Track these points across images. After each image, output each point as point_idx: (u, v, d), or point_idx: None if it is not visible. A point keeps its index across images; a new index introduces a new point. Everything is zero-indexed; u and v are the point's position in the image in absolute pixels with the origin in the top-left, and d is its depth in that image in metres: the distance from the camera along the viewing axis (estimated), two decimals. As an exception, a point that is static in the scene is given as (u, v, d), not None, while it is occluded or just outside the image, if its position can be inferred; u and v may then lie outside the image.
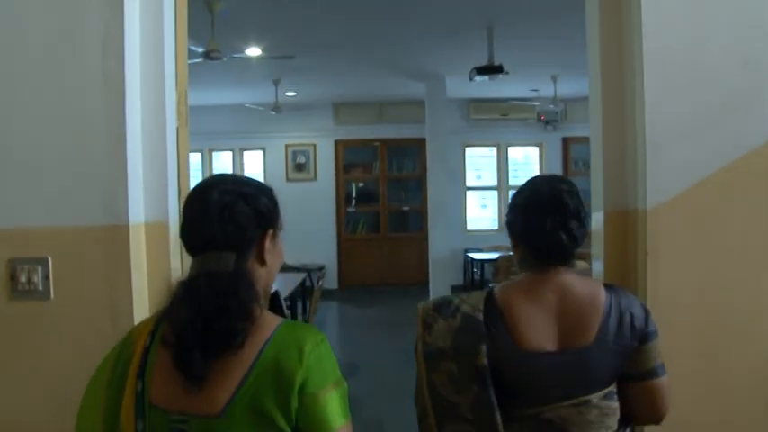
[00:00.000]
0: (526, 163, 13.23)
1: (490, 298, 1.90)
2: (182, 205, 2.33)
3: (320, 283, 7.21)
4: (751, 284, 2.25)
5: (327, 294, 10.95)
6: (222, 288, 1.45)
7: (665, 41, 2.22)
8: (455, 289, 10.62)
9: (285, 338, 1.47)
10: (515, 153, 13.21)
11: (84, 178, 2.14)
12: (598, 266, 2.44)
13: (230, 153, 12.83)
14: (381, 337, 8.86)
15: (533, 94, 11.47)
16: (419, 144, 11.88)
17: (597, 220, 2.42)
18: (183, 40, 2.44)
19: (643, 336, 1.85)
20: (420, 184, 12.66)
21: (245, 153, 12.89)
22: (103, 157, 2.14)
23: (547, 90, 10.71)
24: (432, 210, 10.80)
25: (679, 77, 2.22)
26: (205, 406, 1.43)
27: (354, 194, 13.18)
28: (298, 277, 7.73)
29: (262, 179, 1.70)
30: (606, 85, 2.39)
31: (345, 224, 13.03)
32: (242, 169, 12.62)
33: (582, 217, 1.89)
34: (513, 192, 2.04)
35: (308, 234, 11.57)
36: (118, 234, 2.14)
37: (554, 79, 10.13)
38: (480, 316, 1.86)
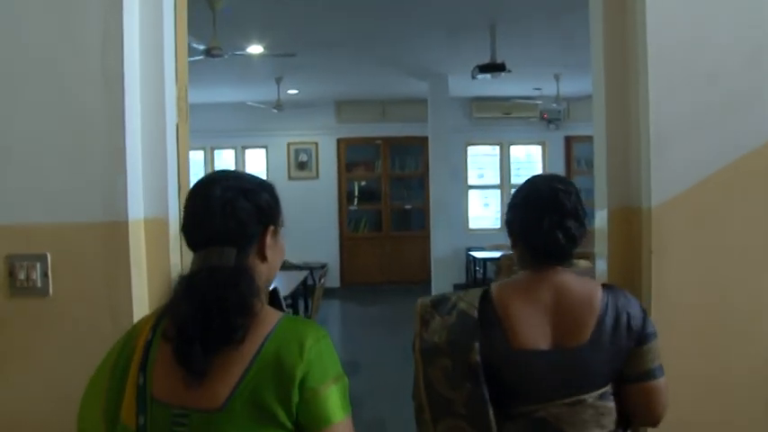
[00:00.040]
0: (528, 161, 13.22)
1: (486, 296, 1.92)
2: (182, 202, 2.32)
3: (322, 281, 7.20)
4: (754, 283, 2.23)
5: (329, 293, 10.94)
6: (223, 283, 1.46)
7: (668, 40, 2.20)
8: (457, 288, 10.60)
9: (286, 333, 1.48)
10: (518, 152, 13.19)
11: (83, 174, 2.13)
12: (602, 265, 2.42)
13: (232, 151, 12.83)
14: (383, 335, 8.85)
15: (536, 93, 11.46)
16: (421, 142, 11.85)
17: (601, 218, 2.40)
18: (182, 36, 2.42)
19: (640, 337, 1.85)
20: (422, 182, 12.66)
21: (247, 151, 12.89)
22: (103, 153, 2.12)
23: (549, 89, 10.69)
24: (434, 208, 10.79)
25: (682, 76, 2.20)
26: (206, 400, 1.43)
27: (356, 193, 13.16)
28: (300, 275, 7.72)
29: (264, 177, 1.69)
30: (610, 82, 2.37)
31: (347, 222, 13.03)
32: (244, 167, 12.60)
33: (580, 216, 1.90)
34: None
35: (310, 232, 11.56)
36: (117, 230, 2.12)
37: (557, 78, 10.11)
38: (475, 313, 1.88)
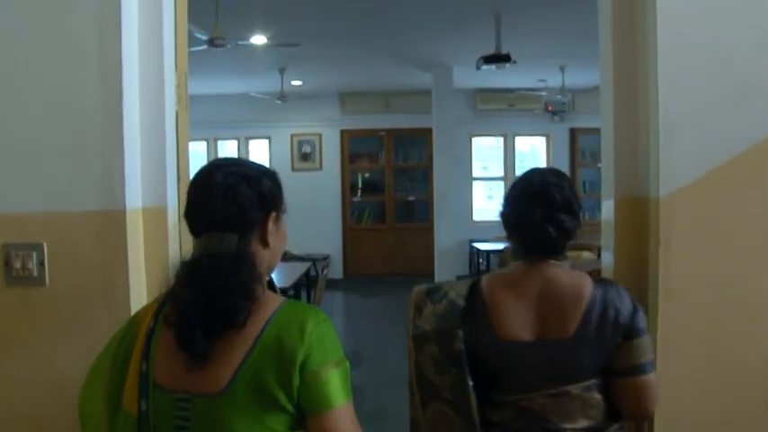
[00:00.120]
0: (533, 153, 13.16)
1: (475, 286, 1.98)
2: (181, 191, 2.31)
3: (325, 272, 7.17)
4: (762, 274, 2.19)
5: (332, 284, 10.91)
6: (224, 269, 1.47)
7: (680, 25, 2.15)
8: (460, 279, 10.56)
9: (287, 317, 1.49)
10: (522, 144, 13.13)
11: (79, 162, 2.10)
12: (608, 257, 2.38)
13: (235, 142, 12.79)
14: (386, 326, 8.81)
15: (541, 85, 11.39)
16: (425, 134, 11.83)
17: (608, 207, 2.36)
18: (182, 22, 2.38)
19: (628, 332, 1.86)
20: (426, 174, 12.60)
21: (250, 142, 12.85)
22: (100, 141, 2.09)
23: (554, 80, 10.62)
24: (438, 200, 10.76)
25: (694, 62, 2.15)
26: (208, 384, 1.44)
27: (360, 184, 13.11)
28: (302, 267, 7.70)
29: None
30: (618, 71, 2.32)
31: (351, 214, 12.99)
32: (247, 158, 12.54)
33: (573, 210, 1.93)
34: (517, 183, 2.07)
35: (313, 224, 11.55)
36: (114, 219, 2.10)
37: (562, 69, 10.05)
38: (462, 302, 1.94)
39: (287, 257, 8.40)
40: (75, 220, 2.09)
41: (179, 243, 2.28)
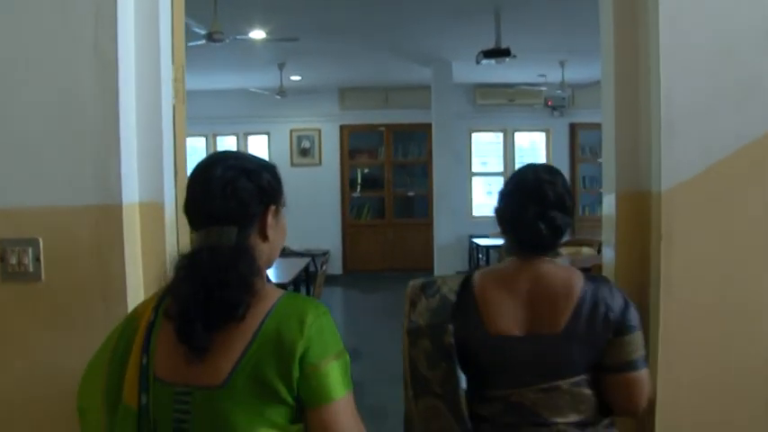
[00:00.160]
0: (532, 149, 13.14)
1: (467, 282, 2.00)
2: (179, 185, 2.29)
3: (324, 268, 7.15)
4: (766, 269, 2.16)
5: (331, 280, 10.90)
6: (223, 262, 1.47)
7: (681, 21, 2.13)
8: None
9: (286, 310, 1.49)
10: (521, 140, 13.10)
11: (75, 156, 2.07)
12: (609, 252, 2.36)
13: (235, 138, 12.76)
14: (385, 322, 8.79)
15: (540, 80, 11.34)
16: (425, 129, 11.80)
17: (609, 202, 2.34)
18: (179, 14, 2.36)
19: (618, 328, 1.87)
20: (425, 169, 12.58)
21: (249, 137, 12.81)
22: (95, 134, 2.07)
23: (554, 75, 10.60)
24: (437, 195, 10.76)
25: (695, 57, 2.13)
26: (208, 377, 1.45)
27: (359, 180, 13.09)
28: (302, 262, 7.68)
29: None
30: (620, 63, 2.30)
31: (350, 209, 12.98)
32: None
33: (566, 207, 1.94)
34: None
35: (312, 219, 11.53)
36: (111, 214, 2.07)
37: (562, 64, 10.04)
38: (453, 297, 1.96)
39: (286, 253, 8.39)
40: (71, 214, 2.07)
41: (176, 238, 2.26)
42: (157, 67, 2.22)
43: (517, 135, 12.97)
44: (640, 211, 2.23)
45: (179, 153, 2.35)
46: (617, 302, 1.89)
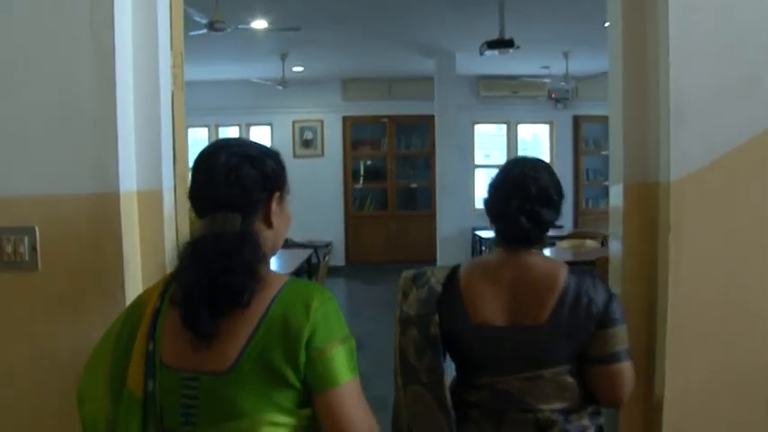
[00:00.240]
0: (535, 141, 13.10)
1: (454, 273, 2.05)
2: (177, 173, 2.25)
3: (326, 259, 7.13)
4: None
5: (334, 271, 10.88)
6: (227, 248, 1.48)
7: (692, 10, 2.09)
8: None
9: (292, 295, 1.50)
10: (525, 132, 13.05)
11: (72, 144, 2.03)
12: (616, 245, 2.31)
13: (237, 128, 12.71)
14: (387, 314, 8.69)
15: (544, 72, 11.31)
16: (428, 121, 11.75)
17: (616, 193, 2.29)
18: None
19: (601, 321, 1.90)
20: (428, 161, 12.55)
21: (251, 128, 12.75)
22: (92, 122, 2.02)
23: (558, 67, 10.56)
24: (440, 187, 10.71)
25: (706, 45, 2.09)
26: (214, 363, 1.46)
27: (362, 171, 13.05)
28: (304, 254, 7.66)
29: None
30: (628, 53, 2.26)
31: (353, 201, 12.94)
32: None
33: (552, 201, 1.97)
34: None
35: (314, 211, 11.49)
36: (108, 202, 2.03)
37: (566, 56, 9.99)
38: (440, 288, 2.01)
39: (288, 244, 8.36)
40: (68, 203, 2.03)
41: (175, 226, 2.23)
42: (155, 54, 2.17)
43: (520, 127, 12.93)
44: (648, 203, 2.19)
45: (178, 141, 2.31)
46: (600, 295, 1.91)
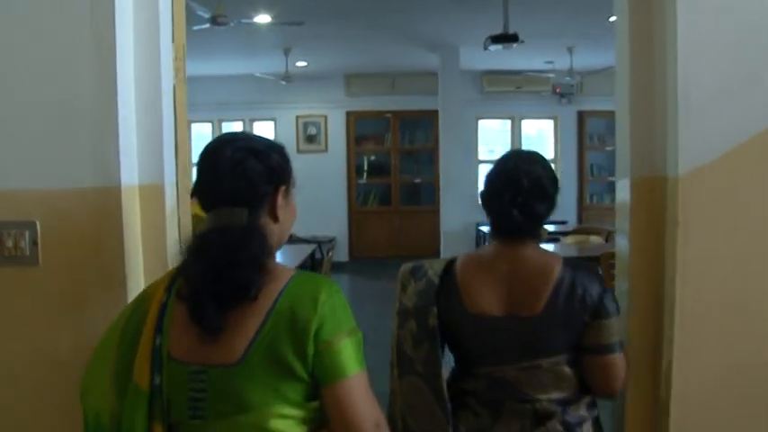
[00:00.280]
0: (539, 136, 13.07)
1: (451, 265, 2.07)
2: (180, 167, 2.23)
3: (330, 255, 7.12)
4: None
5: (337, 267, 10.87)
6: (233, 242, 1.49)
7: (701, 2, 2.05)
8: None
9: (300, 288, 1.51)
10: (529, 127, 13.01)
11: (72, 138, 2.01)
12: (623, 241, 2.28)
13: (240, 124, 12.67)
14: (391, 309, 8.76)
15: (548, 66, 11.26)
16: (431, 116, 11.73)
17: (623, 187, 2.26)
18: (180, -9, 2.29)
19: (595, 311, 1.92)
20: (432, 156, 12.53)
21: (255, 124, 12.73)
22: (93, 115, 2.00)
23: (562, 62, 10.50)
24: (444, 182, 10.70)
25: (715, 35, 2.04)
26: (222, 356, 1.47)
27: (366, 166, 13.03)
28: (307, 249, 7.64)
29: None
30: (635, 44, 2.21)
31: (356, 196, 12.92)
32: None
33: (546, 194, 1.99)
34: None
35: (318, 206, 11.48)
36: (109, 197, 2.01)
37: (570, 51, 9.94)
38: (437, 280, 2.03)
39: (292, 240, 8.33)
40: (69, 197, 2.01)
41: (177, 221, 2.20)
42: (157, 46, 2.14)
43: (524, 122, 12.90)
44: (655, 197, 2.16)
45: (180, 134, 2.28)
46: (595, 287, 1.94)
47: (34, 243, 2.02)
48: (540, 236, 2.05)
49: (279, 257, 1.64)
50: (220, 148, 1.58)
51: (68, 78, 2.00)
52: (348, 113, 12.70)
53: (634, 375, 2.15)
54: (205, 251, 1.50)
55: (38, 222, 2.02)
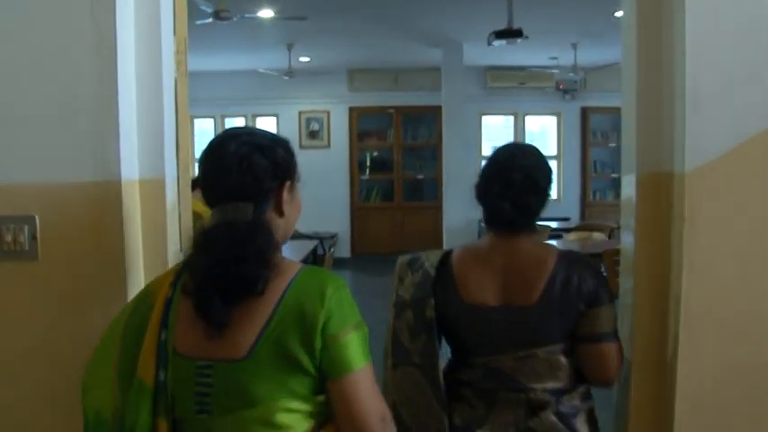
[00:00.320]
0: (542, 133, 13.03)
1: (447, 257, 2.10)
2: (181, 161, 2.21)
3: (332, 251, 7.10)
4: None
5: (339, 263, 10.86)
6: (240, 237, 1.49)
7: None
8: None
9: (306, 282, 1.52)
10: (532, 124, 12.97)
11: (72, 131, 1.98)
12: (628, 238, 2.25)
13: (243, 119, 12.66)
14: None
15: (552, 62, 11.23)
16: (435, 112, 11.70)
17: (629, 183, 2.23)
18: (182, -18, 2.26)
19: (590, 300, 1.95)
20: (435, 152, 12.48)
21: (257, 119, 12.70)
22: (93, 108, 1.98)
23: (566, 58, 10.49)
24: (447, 179, 10.67)
25: (724, 28, 2.01)
26: (229, 350, 1.47)
27: (368, 162, 13.00)
28: (309, 245, 7.64)
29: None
30: (642, 36, 2.18)
31: (359, 192, 12.91)
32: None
33: (538, 187, 2.02)
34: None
35: (320, 202, 11.43)
36: (109, 191, 1.99)
37: (574, 47, 9.91)
38: (433, 272, 2.06)
39: (294, 235, 8.28)
40: (68, 191, 1.99)
41: (178, 216, 2.18)
42: (158, 40, 2.12)
43: (528, 119, 12.87)
44: (661, 194, 2.12)
45: (182, 128, 2.26)
46: (589, 276, 1.97)
47: (33, 238, 2.00)
48: (535, 228, 2.07)
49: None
50: (225, 144, 1.57)
51: (68, 71, 1.98)
52: (351, 109, 12.68)
53: (638, 372, 2.14)
54: (211, 246, 1.50)
55: (37, 217, 2.00)
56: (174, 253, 2.15)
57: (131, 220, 2.05)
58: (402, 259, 2.18)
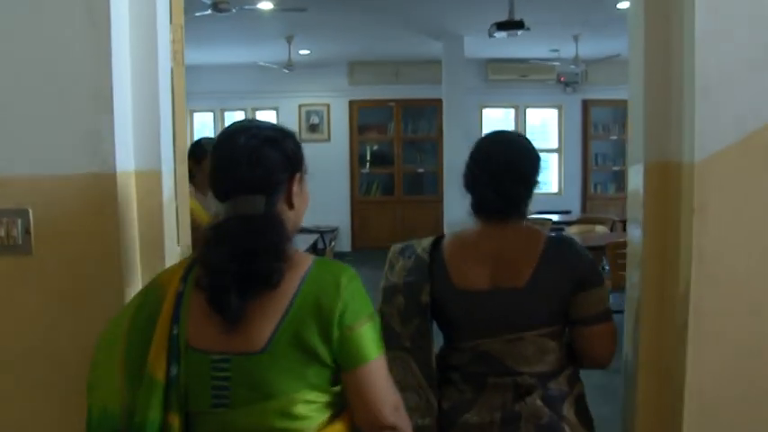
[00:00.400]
0: (543, 126, 13.01)
1: (438, 242, 2.14)
2: (177, 153, 2.17)
3: (332, 244, 7.07)
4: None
5: (340, 257, 10.81)
6: (254, 230, 1.49)
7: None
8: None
9: (322, 274, 1.54)
10: (533, 117, 12.93)
11: (66, 122, 1.93)
12: (636, 231, 2.20)
13: (242, 113, 12.61)
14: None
15: (553, 55, 11.19)
16: (435, 105, 11.66)
17: (636, 173, 2.18)
18: (178, -29, 2.21)
19: (581, 283, 1.98)
20: (436, 145, 12.45)
21: (257, 113, 12.65)
22: (87, 99, 1.92)
23: (567, 50, 10.43)
24: (447, 172, 10.65)
25: (736, 10, 1.95)
26: (246, 344, 1.48)
27: (369, 156, 12.97)
28: (310, 239, 7.63)
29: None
30: (650, 25, 2.13)
31: (359, 186, 12.88)
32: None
33: (523, 176, 2.05)
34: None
35: (320, 195, 11.26)
36: (104, 183, 1.94)
37: (575, 39, 9.84)
38: (427, 257, 2.09)
39: (294, 229, 8.27)
40: (63, 183, 1.94)
41: (175, 208, 2.14)
42: (154, 28, 2.07)
43: (529, 111, 12.84)
44: (670, 184, 2.07)
45: (178, 119, 2.22)
46: (579, 258, 2.01)
47: (27, 231, 1.95)
48: (524, 214, 2.09)
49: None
50: (234, 137, 1.57)
51: (62, 62, 1.93)
52: (351, 102, 12.64)
53: (645, 366, 2.11)
54: (225, 240, 1.50)
55: (30, 210, 1.95)
56: (171, 244, 2.11)
57: (127, 212, 2.00)
58: (395, 247, 2.20)
